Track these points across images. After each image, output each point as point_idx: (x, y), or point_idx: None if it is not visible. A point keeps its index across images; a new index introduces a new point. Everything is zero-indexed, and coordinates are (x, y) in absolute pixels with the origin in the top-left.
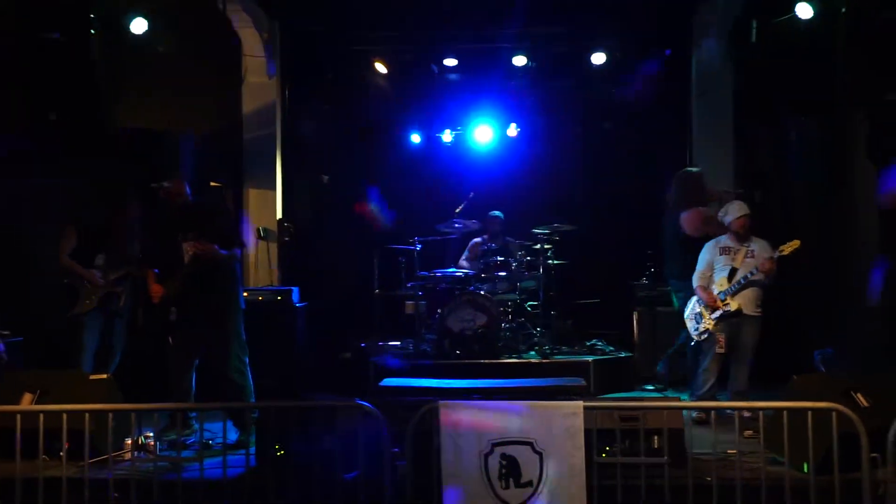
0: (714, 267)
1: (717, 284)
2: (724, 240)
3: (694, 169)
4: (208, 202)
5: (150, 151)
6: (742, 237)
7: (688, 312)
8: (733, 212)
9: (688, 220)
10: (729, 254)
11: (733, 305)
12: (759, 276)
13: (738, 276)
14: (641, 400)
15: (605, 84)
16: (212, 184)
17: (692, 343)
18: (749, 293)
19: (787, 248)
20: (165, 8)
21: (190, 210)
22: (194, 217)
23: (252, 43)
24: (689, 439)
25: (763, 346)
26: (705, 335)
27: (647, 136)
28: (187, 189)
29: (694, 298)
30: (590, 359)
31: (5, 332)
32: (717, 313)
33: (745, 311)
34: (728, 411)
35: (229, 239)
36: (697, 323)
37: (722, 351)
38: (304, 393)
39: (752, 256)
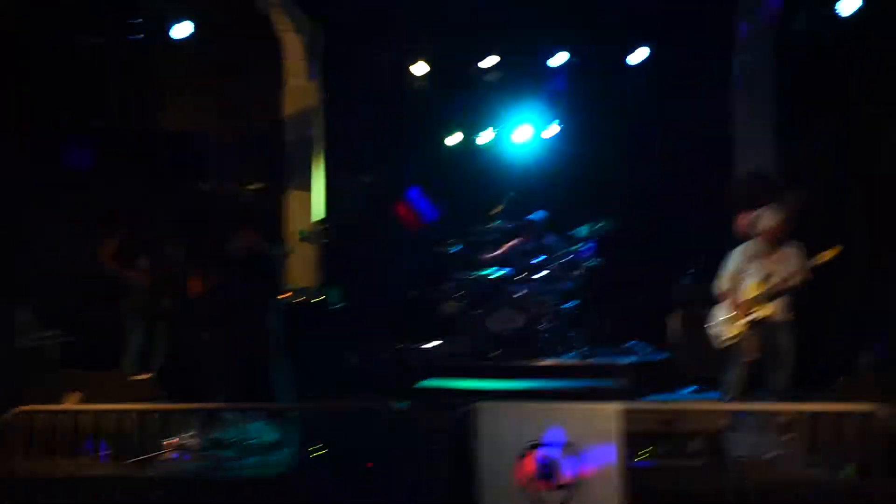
0: (744, 272)
1: (749, 289)
2: (755, 244)
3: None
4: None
5: (190, 154)
6: (773, 242)
7: (715, 317)
8: (768, 218)
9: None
10: (760, 260)
11: (764, 312)
12: (792, 283)
13: (771, 282)
14: (680, 403)
15: (645, 82)
16: (252, 185)
17: (719, 348)
18: (780, 299)
19: (827, 255)
20: (208, 11)
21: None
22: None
23: (293, 46)
24: (728, 442)
25: (809, 348)
26: (732, 341)
27: (688, 137)
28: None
29: (722, 303)
30: (629, 361)
31: (56, 332)
32: (747, 319)
33: (777, 317)
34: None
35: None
36: (724, 329)
37: (752, 358)
38: (343, 394)
39: (784, 261)
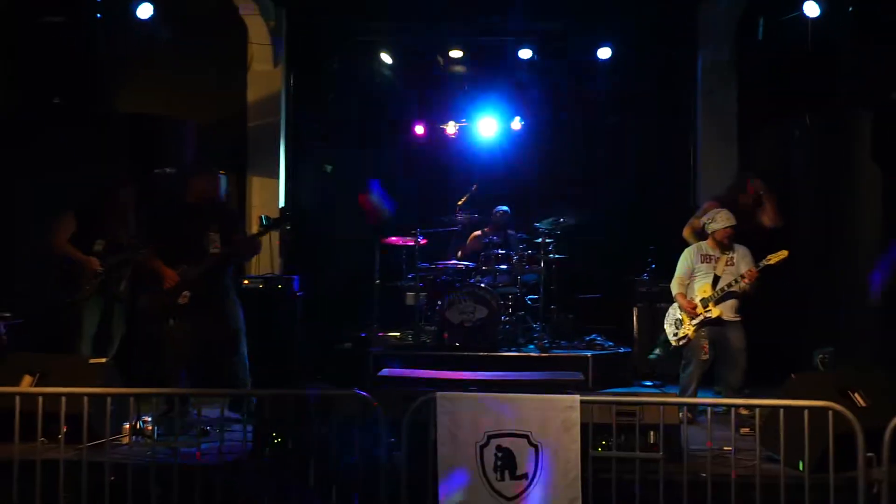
0: (694, 274)
1: (700, 291)
2: (705, 247)
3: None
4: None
5: (151, 137)
6: (723, 245)
7: (668, 318)
8: (720, 221)
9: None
10: (710, 262)
11: (714, 312)
12: (742, 285)
13: (721, 283)
14: (638, 395)
15: (610, 79)
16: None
17: (670, 348)
18: (730, 301)
19: (774, 258)
20: None
21: (221, 205)
22: (224, 213)
23: (258, 31)
24: (684, 435)
25: (761, 345)
26: (684, 341)
27: (652, 133)
28: (222, 183)
29: (674, 304)
30: (588, 354)
31: (6, 314)
32: (698, 319)
33: (726, 317)
34: (724, 409)
35: (252, 243)
36: (677, 329)
37: (706, 357)
38: (302, 381)
39: (733, 264)
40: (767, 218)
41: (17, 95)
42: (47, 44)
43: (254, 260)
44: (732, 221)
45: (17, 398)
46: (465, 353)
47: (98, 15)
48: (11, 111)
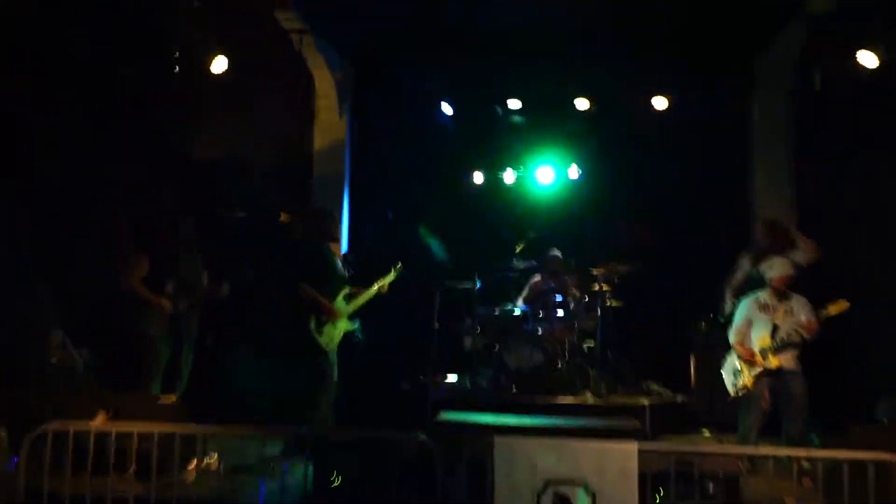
0: (753, 323)
1: (759, 341)
2: (763, 296)
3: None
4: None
5: (224, 183)
6: (781, 294)
7: (726, 367)
8: (778, 268)
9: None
10: (768, 311)
11: (774, 363)
12: (802, 336)
13: (781, 333)
14: (697, 445)
15: (665, 128)
16: (281, 217)
17: (729, 399)
18: (790, 351)
19: (834, 308)
20: (245, 46)
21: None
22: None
23: (325, 82)
24: (744, 486)
25: (823, 395)
26: (743, 391)
27: (707, 181)
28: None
29: (732, 353)
30: (645, 401)
31: (83, 351)
32: (757, 370)
33: (787, 367)
34: (785, 460)
35: None
36: (736, 378)
37: (767, 407)
38: (365, 423)
39: (793, 314)
40: (803, 254)
41: (104, 140)
42: (134, 92)
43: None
44: (790, 270)
45: (92, 434)
46: (522, 399)
47: (176, 68)
48: (96, 155)
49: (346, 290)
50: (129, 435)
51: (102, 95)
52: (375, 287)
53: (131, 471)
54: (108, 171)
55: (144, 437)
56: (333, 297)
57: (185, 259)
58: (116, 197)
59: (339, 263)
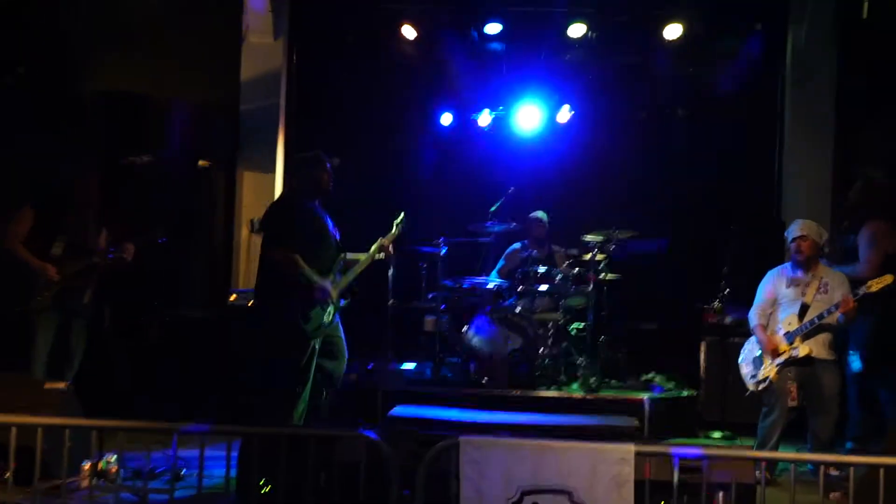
0: (779, 302)
1: (785, 323)
2: (790, 269)
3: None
4: None
5: (129, 120)
6: (801, 263)
7: (743, 356)
8: (793, 230)
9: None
10: (798, 286)
11: (802, 350)
12: (836, 317)
13: (811, 314)
14: (706, 448)
15: (680, 63)
16: (200, 163)
17: (747, 394)
18: (822, 336)
19: (876, 284)
20: None
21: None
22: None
23: None
24: (761, 498)
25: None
26: (764, 384)
27: (730, 129)
28: None
29: (752, 339)
30: (645, 396)
31: None
32: (782, 359)
33: (818, 355)
34: (811, 467)
35: None
36: (756, 369)
37: (794, 404)
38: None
39: (826, 292)
40: None
41: None
42: (12, 11)
43: (241, 270)
44: (805, 231)
45: None
46: (495, 391)
47: None
48: None
49: (341, 258)
50: (5, 428)
51: None
52: (374, 249)
53: (8, 473)
54: None
55: (25, 431)
56: (328, 269)
57: (79, 214)
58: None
59: (331, 224)
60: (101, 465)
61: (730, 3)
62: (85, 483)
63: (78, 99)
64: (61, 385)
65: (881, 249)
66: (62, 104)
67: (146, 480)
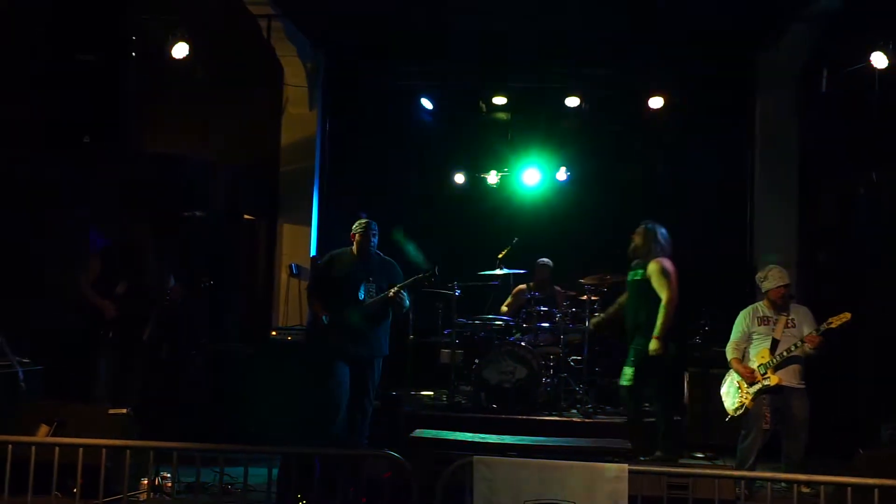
0: (752, 338)
1: (758, 357)
2: (762, 308)
3: None
4: None
5: (180, 179)
6: (780, 306)
7: (725, 386)
8: (773, 279)
9: None
10: (768, 324)
11: (773, 380)
12: (804, 350)
13: (781, 348)
14: (691, 467)
15: (662, 129)
16: (245, 217)
17: (727, 419)
18: (792, 366)
19: (836, 321)
20: (208, 33)
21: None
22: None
23: (295, 73)
24: None
25: (826, 418)
26: (741, 410)
27: (705, 187)
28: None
29: (731, 370)
30: None
31: (25, 360)
32: (756, 387)
33: (789, 384)
34: (784, 485)
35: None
36: (734, 397)
37: (768, 427)
38: (333, 439)
39: (794, 326)
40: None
41: (47, 133)
42: (79, 81)
43: (281, 309)
44: (786, 280)
45: (33, 448)
46: (503, 416)
47: (133, 53)
48: (40, 148)
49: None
50: (74, 449)
51: (56, 82)
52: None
53: (76, 489)
54: (59, 168)
55: (91, 452)
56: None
57: (138, 261)
58: (68, 195)
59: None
60: (157, 481)
61: (705, 78)
62: (143, 497)
63: (136, 159)
64: (123, 411)
65: None
66: (123, 165)
67: (197, 494)
